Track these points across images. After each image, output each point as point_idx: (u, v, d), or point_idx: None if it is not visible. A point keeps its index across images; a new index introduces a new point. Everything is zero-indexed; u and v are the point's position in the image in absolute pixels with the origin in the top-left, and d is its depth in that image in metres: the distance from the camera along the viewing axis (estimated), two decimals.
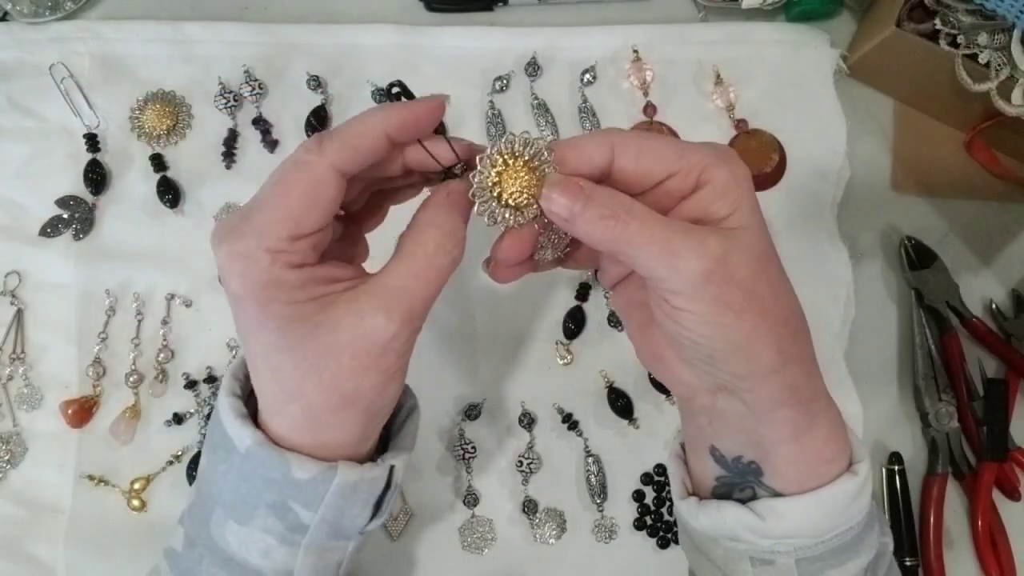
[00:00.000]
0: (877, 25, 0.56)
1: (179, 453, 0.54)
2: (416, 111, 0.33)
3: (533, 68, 0.59)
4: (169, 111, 0.58)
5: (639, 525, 0.54)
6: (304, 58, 0.59)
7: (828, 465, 0.35)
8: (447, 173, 0.35)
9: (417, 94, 0.36)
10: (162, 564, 0.38)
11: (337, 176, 0.32)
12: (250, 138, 0.58)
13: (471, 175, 0.33)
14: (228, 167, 0.58)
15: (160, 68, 0.59)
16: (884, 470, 0.56)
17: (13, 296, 0.56)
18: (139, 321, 0.56)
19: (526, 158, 0.33)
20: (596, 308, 0.57)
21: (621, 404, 0.55)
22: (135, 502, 0.54)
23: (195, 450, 0.54)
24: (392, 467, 0.37)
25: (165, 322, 0.56)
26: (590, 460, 0.55)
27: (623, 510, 0.55)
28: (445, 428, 0.55)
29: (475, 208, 0.33)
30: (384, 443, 0.39)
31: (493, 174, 0.33)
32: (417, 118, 0.33)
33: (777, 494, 0.35)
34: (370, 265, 0.37)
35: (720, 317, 0.31)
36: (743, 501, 0.36)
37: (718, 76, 0.59)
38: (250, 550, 0.35)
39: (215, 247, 0.32)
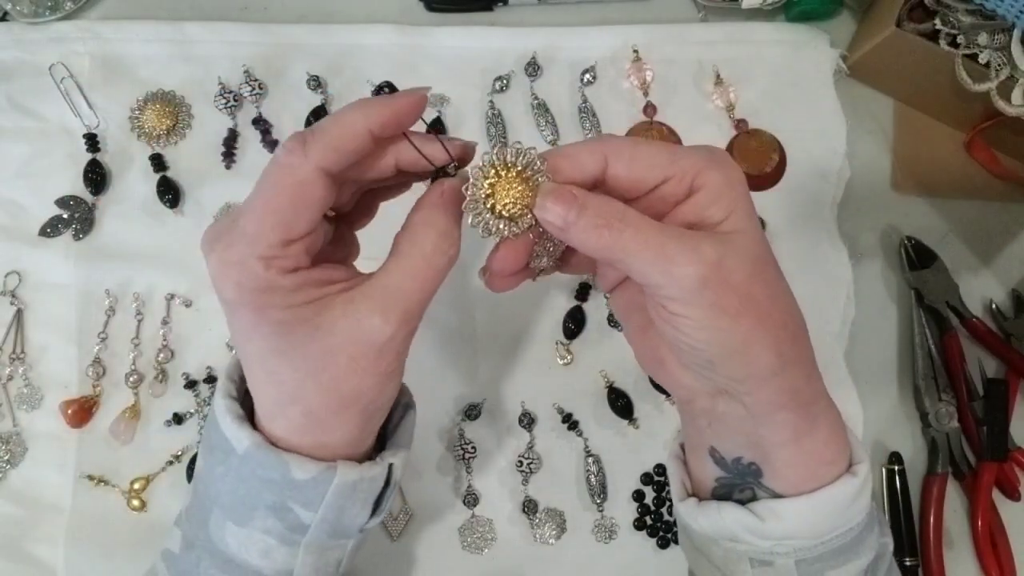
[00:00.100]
0: (877, 25, 0.56)
1: (179, 453, 0.54)
2: (397, 106, 0.33)
3: (533, 68, 0.59)
4: (169, 111, 0.58)
5: (639, 525, 0.54)
6: (304, 58, 0.59)
7: (828, 467, 0.35)
8: (439, 172, 0.35)
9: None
10: (159, 566, 0.38)
11: (323, 177, 0.32)
12: (250, 138, 0.58)
13: (464, 188, 0.33)
14: (228, 167, 0.58)
15: (160, 68, 0.59)
16: (884, 470, 0.56)
17: (13, 296, 0.56)
18: (139, 321, 0.56)
19: (519, 168, 0.32)
20: (596, 308, 0.57)
21: (621, 404, 0.55)
22: (135, 502, 0.54)
23: (195, 450, 0.54)
24: (391, 465, 0.37)
25: (165, 322, 0.56)
26: (590, 460, 0.55)
27: (623, 510, 0.55)
28: (445, 428, 0.55)
29: (468, 220, 0.33)
30: (381, 441, 0.39)
31: (486, 186, 0.33)
32: (398, 113, 0.33)
33: (777, 495, 0.35)
34: (363, 266, 0.37)
35: (717, 322, 0.31)
36: (743, 502, 0.36)
37: (718, 76, 0.59)
38: (250, 551, 0.35)
39: (206, 255, 0.32)
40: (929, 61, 0.53)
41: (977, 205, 0.59)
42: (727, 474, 0.36)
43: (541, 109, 0.59)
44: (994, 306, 0.58)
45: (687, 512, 0.38)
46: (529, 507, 0.54)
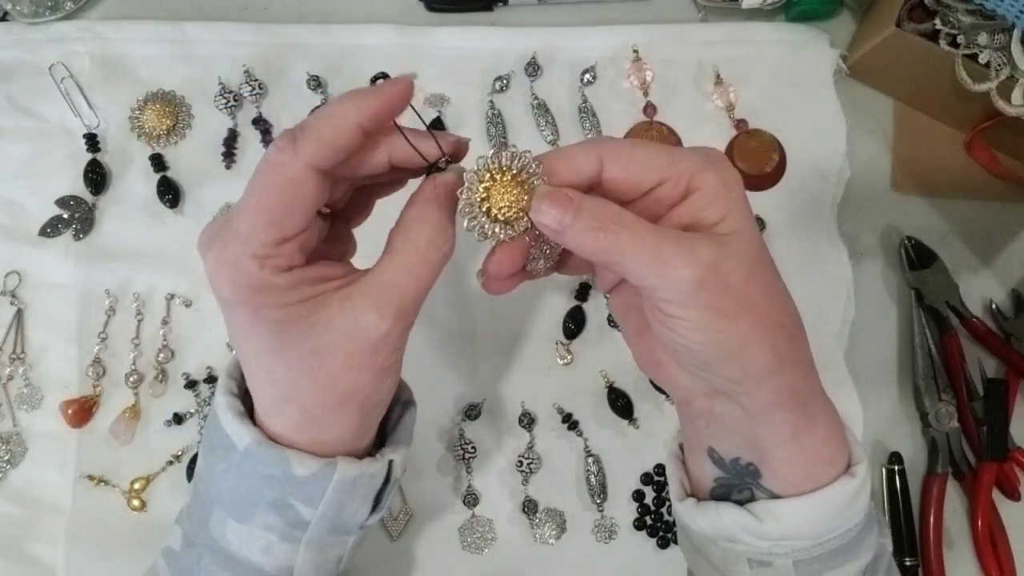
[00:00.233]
0: (877, 25, 0.56)
1: (179, 453, 0.54)
2: (386, 96, 0.33)
3: (533, 68, 0.59)
4: (169, 111, 0.58)
5: (639, 525, 0.54)
6: (304, 58, 0.59)
7: (826, 467, 0.35)
8: (432, 168, 0.35)
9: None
10: (160, 564, 0.38)
11: (314, 174, 0.32)
12: (250, 138, 0.58)
13: (459, 191, 0.33)
14: (228, 167, 0.58)
15: (160, 68, 0.59)
16: (884, 470, 0.56)
17: (13, 296, 0.56)
18: (139, 321, 0.56)
19: (514, 172, 0.32)
20: (596, 308, 0.57)
21: (621, 404, 0.55)
22: (135, 502, 0.54)
23: (195, 450, 0.54)
24: (391, 461, 0.37)
25: (165, 322, 0.56)
26: (590, 460, 0.55)
27: (623, 510, 0.55)
28: (445, 428, 0.55)
29: (464, 224, 0.33)
30: (381, 438, 0.39)
31: (481, 189, 0.33)
32: (387, 104, 0.33)
33: (775, 496, 0.35)
34: (360, 265, 0.37)
35: (714, 323, 0.31)
36: (741, 503, 0.36)
37: (718, 76, 0.59)
38: (251, 548, 0.35)
39: (202, 255, 0.32)
40: (929, 61, 0.53)
41: (977, 205, 0.59)
42: (725, 474, 0.36)
43: (541, 109, 0.59)
44: (994, 306, 0.58)
45: (686, 512, 0.38)
46: (529, 507, 0.54)
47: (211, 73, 0.58)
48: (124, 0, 0.60)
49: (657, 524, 0.54)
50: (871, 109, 0.60)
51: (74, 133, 0.58)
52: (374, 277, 0.33)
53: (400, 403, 0.40)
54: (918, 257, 0.57)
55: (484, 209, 0.33)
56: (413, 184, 0.36)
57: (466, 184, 0.33)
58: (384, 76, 0.58)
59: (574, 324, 0.56)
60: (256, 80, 0.58)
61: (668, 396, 0.55)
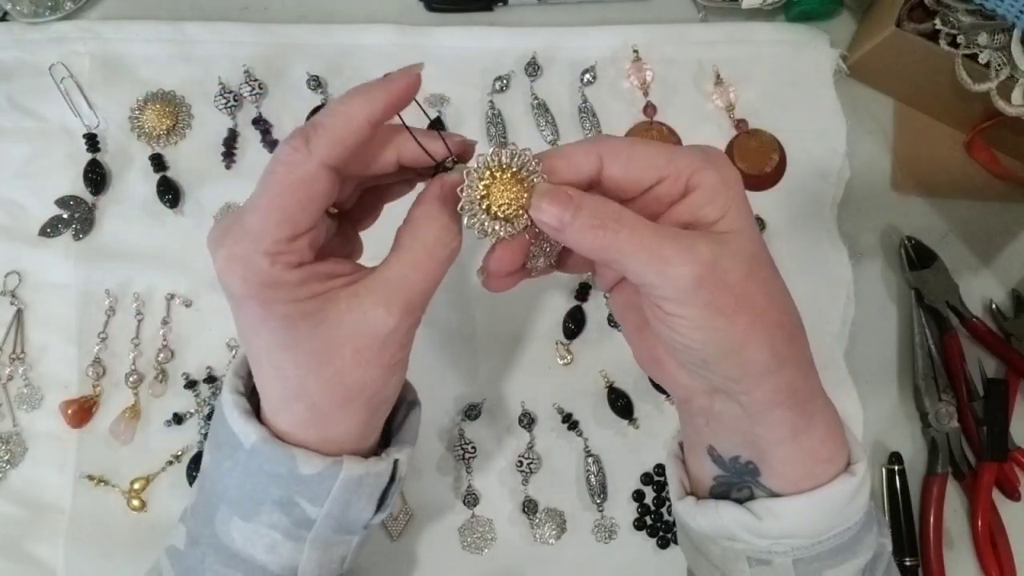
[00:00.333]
0: (877, 25, 0.56)
1: (179, 453, 0.54)
2: (394, 90, 0.33)
3: (533, 68, 0.59)
4: (169, 111, 0.58)
5: (639, 525, 0.54)
6: (304, 58, 0.59)
7: (825, 465, 0.35)
8: (439, 168, 0.35)
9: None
10: (163, 562, 0.38)
11: (327, 172, 0.32)
12: (250, 138, 0.58)
13: (459, 189, 0.33)
14: (228, 167, 0.58)
15: (160, 68, 0.59)
16: (884, 470, 0.56)
17: (13, 296, 0.56)
18: (139, 321, 0.56)
19: (514, 169, 0.33)
20: (596, 308, 0.57)
21: (621, 404, 0.55)
22: (135, 502, 0.54)
23: (195, 450, 0.54)
24: (396, 461, 0.37)
25: (165, 322, 0.56)
26: (590, 460, 0.55)
27: (623, 510, 0.55)
28: (445, 428, 0.55)
29: (464, 222, 0.33)
30: (386, 438, 0.40)
31: (481, 187, 0.33)
32: (396, 98, 0.33)
33: (774, 494, 0.35)
34: (365, 265, 0.37)
35: (712, 321, 0.31)
36: (741, 501, 0.36)
37: (718, 76, 0.59)
38: (255, 546, 0.35)
39: (213, 252, 0.33)
40: (929, 61, 0.53)
41: (977, 205, 0.59)
42: (725, 473, 0.36)
43: (541, 109, 0.59)
44: (994, 306, 0.58)
45: (685, 511, 0.38)
46: (529, 507, 0.54)
47: (211, 73, 0.58)
48: (124, 0, 0.60)
49: (657, 524, 0.54)
50: (871, 109, 0.60)
51: (74, 133, 0.58)
52: (382, 274, 0.34)
53: (406, 403, 0.40)
54: (918, 257, 0.57)
55: (484, 207, 0.33)
56: (420, 188, 0.37)
57: (466, 181, 0.33)
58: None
59: (574, 324, 0.56)
60: (256, 80, 0.58)
61: (668, 396, 0.55)
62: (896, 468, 0.55)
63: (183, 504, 0.39)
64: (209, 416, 0.55)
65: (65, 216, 0.56)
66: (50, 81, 0.58)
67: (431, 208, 0.34)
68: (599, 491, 0.54)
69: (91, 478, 0.54)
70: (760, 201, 0.58)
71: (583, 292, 0.57)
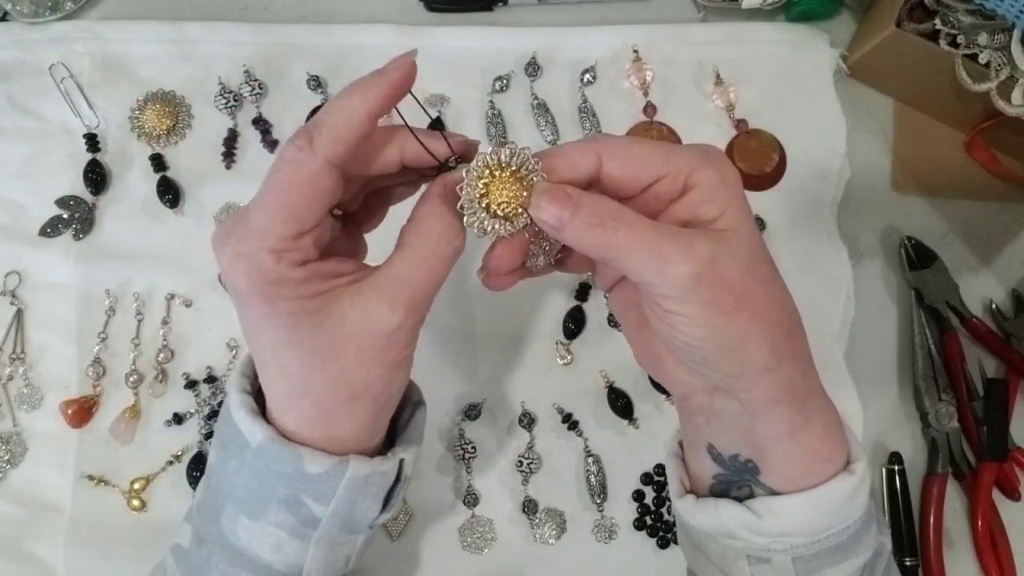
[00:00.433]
0: (877, 25, 0.56)
1: (179, 453, 0.54)
2: (391, 82, 0.33)
3: (533, 68, 0.59)
4: (169, 111, 0.58)
5: (639, 525, 0.54)
6: (304, 58, 0.59)
7: (824, 464, 0.35)
8: (442, 167, 0.35)
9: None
10: (168, 561, 0.39)
11: (331, 170, 0.32)
12: (250, 138, 0.58)
13: (458, 188, 0.33)
14: (228, 167, 0.58)
15: (160, 68, 0.59)
16: (884, 470, 0.56)
17: (13, 296, 0.56)
18: (139, 321, 0.56)
19: (513, 168, 0.33)
20: (596, 308, 0.57)
21: (621, 404, 0.55)
22: (135, 502, 0.54)
23: (195, 450, 0.54)
24: (402, 460, 0.37)
25: (165, 322, 0.56)
26: (590, 460, 0.55)
27: (623, 510, 0.55)
28: (445, 428, 0.55)
29: (464, 220, 0.33)
30: (391, 438, 0.40)
31: (480, 185, 0.33)
32: (394, 89, 0.33)
33: (774, 492, 0.35)
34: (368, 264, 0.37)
35: (711, 319, 0.31)
36: (740, 499, 0.36)
37: (718, 76, 0.59)
38: (261, 544, 0.35)
39: (218, 250, 0.33)
40: (929, 61, 0.53)
41: (977, 205, 0.59)
42: (725, 471, 0.36)
43: (541, 109, 0.59)
44: (994, 306, 0.58)
45: (685, 509, 0.38)
46: (529, 507, 0.54)
47: (211, 73, 0.58)
48: (124, 0, 0.60)
49: (657, 524, 0.54)
50: (871, 109, 0.60)
51: (74, 133, 0.58)
52: (386, 271, 0.34)
53: (411, 403, 0.41)
54: (918, 257, 0.57)
55: (483, 205, 0.33)
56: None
57: (465, 180, 0.33)
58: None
59: (574, 324, 0.56)
60: (256, 80, 0.58)
61: (668, 396, 0.55)
62: (896, 468, 0.55)
63: (183, 504, 0.40)
64: (209, 416, 0.55)
65: (65, 216, 0.56)
66: (50, 81, 0.58)
67: (435, 206, 0.34)
68: (599, 491, 0.54)
69: (91, 478, 0.54)
70: (760, 201, 0.58)
71: (583, 292, 0.57)
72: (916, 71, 0.56)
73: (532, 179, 0.33)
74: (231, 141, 0.58)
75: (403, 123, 0.35)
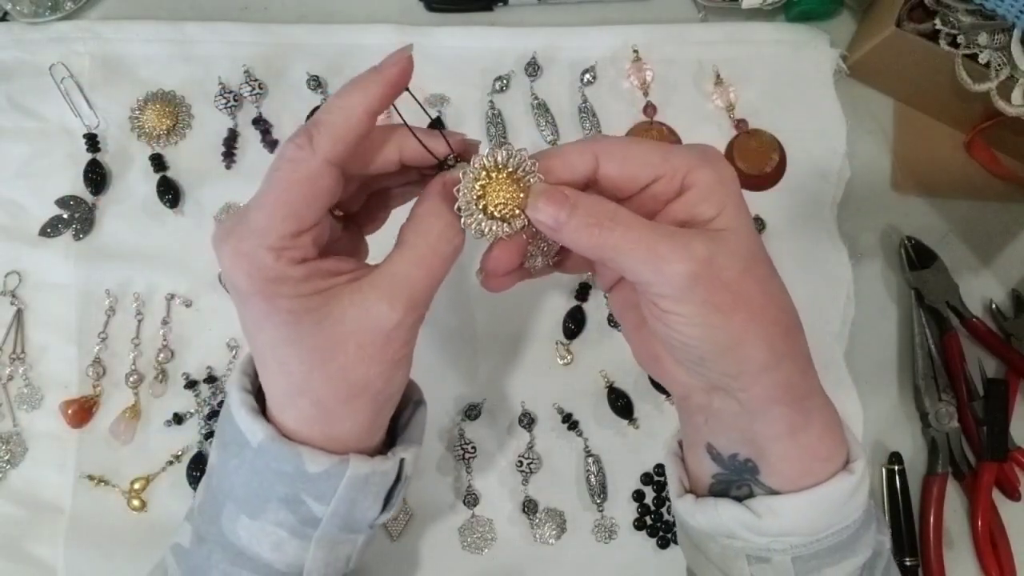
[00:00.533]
0: (877, 25, 0.56)
1: (179, 453, 0.54)
2: (387, 78, 0.33)
3: (533, 68, 0.59)
4: (169, 111, 0.58)
5: (639, 525, 0.54)
6: (304, 58, 0.59)
7: (824, 463, 0.35)
8: (442, 166, 0.35)
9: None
10: (168, 560, 0.39)
11: (331, 168, 0.32)
12: (250, 138, 0.58)
13: (455, 189, 0.33)
14: (228, 167, 0.58)
15: (160, 68, 0.59)
16: (884, 470, 0.56)
17: (13, 296, 0.56)
18: (139, 321, 0.56)
19: (510, 169, 0.33)
20: (596, 308, 0.57)
21: (621, 404, 0.55)
22: (135, 502, 0.54)
23: (195, 450, 0.54)
24: (402, 460, 0.37)
25: (165, 322, 0.56)
26: (590, 460, 0.55)
27: (623, 510, 0.55)
28: (445, 428, 0.55)
29: (461, 221, 0.33)
30: (392, 438, 0.40)
31: (477, 187, 0.33)
32: (391, 86, 0.33)
33: (773, 492, 0.35)
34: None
35: (709, 318, 0.31)
36: (740, 499, 0.36)
37: (718, 76, 0.59)
38: (262, 543, 0.35)
39: (218, 248, 0.33)
40: (929, 61, 0.53)
41: (977, 205, 0.59)
42: (724, 470, 0.36)
43: (541, 109, 0.59)
44: (994, 306, 0.58)
45: (685, 509, 0.38)
46: (529, 507, 0.54)
47: (211, 73, 0.58)
48: (124, 0, 0.60)
49: (657, 524, 0.54)
50: (871, 109, 0.60)
51: (74, 133, 0.58)
52: (386, 269, 0.34)
53: (412, 402, 0.41)
54: (918, 257, 0.57)
55: (480, 206, 0.33)
56: None
57: (462, 182, 0.33)
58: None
59: (574, 324, 0.56)
60: (256, 80, 0.58)
61: (668, 396, 0.55)
62: (896, 468, 0.55)
63: (183, 504, 0.40)
64: (209, 416, 0.55)
65: (65, 216, 0.56)
66: (50, 81, 0.58)
67: (434, 205, 0.34)
68: (599, 491, 0.54)
69: (91, 478, 0.54)
70: (760, 201, 0.58)
71: (583, 292, 0.57)
72: (916, 71, 0.56)
73: (529, 180, 0.33)
74: (231, 141, 0.58)
75: (402, 122, 0.35)
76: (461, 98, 0.59)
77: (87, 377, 0.55)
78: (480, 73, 0.59)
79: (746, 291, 0.32)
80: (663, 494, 0.55)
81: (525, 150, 0.33)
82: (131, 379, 0.55)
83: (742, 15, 0.60)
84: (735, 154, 0.58)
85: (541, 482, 0.55)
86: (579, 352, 0.56)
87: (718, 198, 0.33)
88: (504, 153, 0.33)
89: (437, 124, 0.58)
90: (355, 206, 0.39)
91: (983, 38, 0.50)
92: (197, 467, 0.54)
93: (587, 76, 0.59)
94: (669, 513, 0.55)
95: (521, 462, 0.54)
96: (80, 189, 0.57)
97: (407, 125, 0.35)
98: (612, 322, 0.57)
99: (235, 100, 0.58)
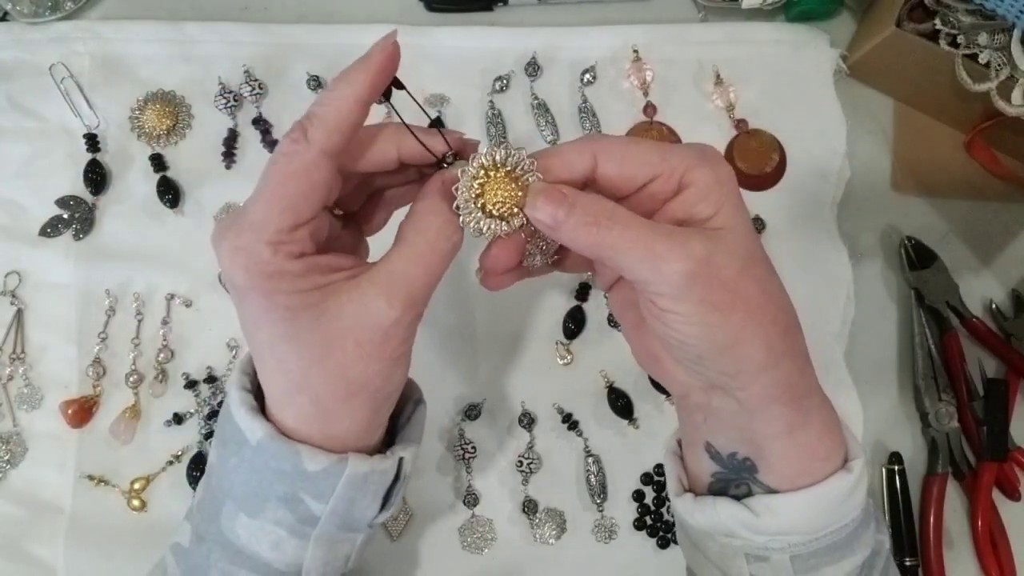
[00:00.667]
0: (877, 25, 0.56)
1: (179, 453, 0.54)
2: (374, 64, 0.33)
3: (533, 68, 0.59)
4: (169, 111, 0.58)
5: (639, 525, 0.54)
6: (304, 58, 0.59)
7: (822, 462, 0.35)
8: (441, 164, 0.35)
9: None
10: (168, 559, 0.39)
11: (327, 160, 0.32)
12: (250, 138, 0.58)
13: (454, 188, 0.33)
14: (228, 167, 0.58)
15: (160, 68, 0.59)
16: (884, 470, 0.56)
17: (13, 296, 0.56)
18: (139, 321, 0.56)
19: (508, 168, 0.33)
20: (596, 308, 0.57)
21: (621, 404, 0.55)
22: (135, 502, 0.54)
23: (195, 450, 0.55)
24: (401, 459, 0.37)
25: (165, 322, 0.56)
26: (590, 460, 0.55)
27: (623, 510, 0.55)
28: (445, 428, 0.55)
29: (459, 220, 0.34)
30: (391, 437, 0.40)
31: (475, 186, 0.33)
32: (379, 73, 0.33)
33: (772, 491, 0.35)
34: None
35: (706, 317, 0.31)
36: (738, 498, 0.36)
37: (718, 76, 0.59)
38: (260, 542, 0.35)
39: (216, 244, 0.33)
40: (929, 61, 0.53)
41: (977, 205, 0.59)
42: (723, 469, 0.36)
43: (541, 109, 0.59)
44: (994, 306, 0.58)
45: (683, 507, 0.38)
46: (529, 507, 0.54)
47: (211, 73, 0.58)
48: (124, 0, 0.60)
49: (657, 524, 0.54)
50: (871, 109, 0.60)
51: (74, 133, 0.58)
52: (384, 266, 0.34)
53: (411, 401, 0.41)
54: (918, 257, 0.57)
55: (479, 205, 0.33)
56: None
57: (461, 180, 0.33)
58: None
59: (574, 324, 0.56)
60: (256, 80, 0.58)
61: (668, 396, 0.55)
62: (896, 468, 0.55)
63: (183, 504, 0.40)
64: (209, 416, 0.55)
65: (65, 216, 0.56)
66: (50, 81, 0.58)
67: (432, 202, 0.34)
68: (599, 491, 0.54)
69: (91, 478, 0.54)
70: (760, 201, 0.58)
71: (583, 292, 0.57)
72: (916, 71, 0.56)
73: (528, 179, 0.33)
74: (231, 141, 0.58)
75: (400, 120, 0.35)
76: (461, 98, 0.59)
77: (87, 377, 0.55)
78: (480, 73, 0.59)
79: (744, 290, 0.32)
80: (663, 494, 0.55)
81: (523, 149, 0.33)
82: (131, 379, 0.55)
83: (742, 15, 0.60)
84: (735, 154, 0.58)
85: (541, 482, 0.55)
86: (579, 352, 0.56)
87: (716, 197, 0.33)
88: (503, 152, 0.33)
89: (437, 124, 0.58)
90: (354, 205, 0.39)
91: (983, 38, 0.50)
92: (197, 467, 0.54)
93: (587, 76, 0.59)
94: (669, 513, 0.55)
95: (521, 462, 0.54)
96: (80, 189, 0.57)
97: (404, 123, 0.35)
98: (612, 322, 0.57)
99: (235, 100, 0.58)
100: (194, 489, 0.52)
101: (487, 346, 0.56)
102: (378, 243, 0.39)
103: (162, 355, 0.55)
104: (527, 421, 0.55)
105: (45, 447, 0.55)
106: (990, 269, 0.59)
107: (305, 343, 0.33)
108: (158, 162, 0.57)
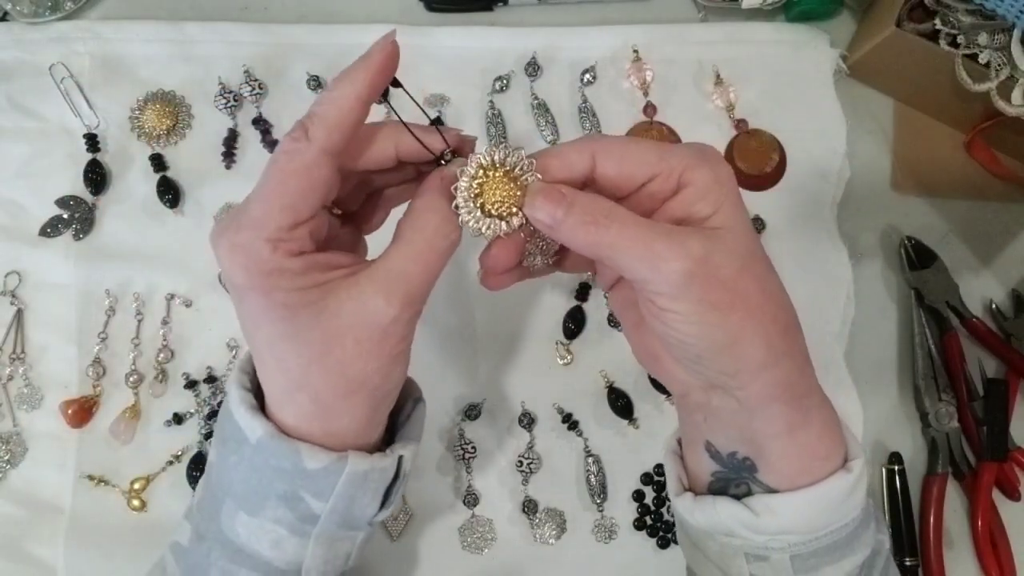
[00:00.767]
0: (877, 25, 0.56)
1: (179, 453, 0.54)
2: (374, 63, 0.33)
3: (533, 68, 0.59)
4: (169, 111, 0.58)
5: (639, 525, 0.54)
6: (304, 58, 0.59)
7: (822, 462, 0.35)
8: (439, 162, 0.35)
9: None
10: (168, 559, 0.39)
11: (327, 159, 0.33)
12: (250, 138, 0.58)
13: (453, 188, 0.33)
14: (228, 167, 0.58)
15: (160, 68, 0.59)
16: (884, 470, 0.56)
17: (13, 296, 0.56)
18: (139, 321, 0.56)
19: (507, 168, 0.33)
20: (596, 308, 0.57)
21: (621, 404, 0.55)
22: (135, 502, 0.54)
23: (195, 450, 0.55)
24: (401, 457, 0.37)
25: (165, 322, 0.56)
26: (590, 460, 0.55)
27: (623, 510, 0.55)
28: (445, 428, 0.55)
29: (459, 219, 0.34)
30: (391, 435, 0.40)
31: (474, 185, 0.33)
32: (379, 72, 0.33)
33: (772, 490, 0.35)
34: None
35: (705, 316, 0.31)
36: (738, 497, 0.36)
37: (718, 76, 0.59)
38: (261, 541, 0.35)
39: (215, 243, 0.33)
40: (929, 61, 0.53)
41: (977, 205, 0.59)
42: (722, 469, 0.36)
43: (541, 109, 0.59)
44: (994, 306, 0.58)
45: (683, 507, 0.38)
46: (529, 507, 0.54)
47: (211, 73, 0.58)
48: (124, 0, 0.60)
49: (657, 524, 0.54)
50: (871, 109, 0.60)
51: (74, 133, 0.58)
52: (383, 264, 0.34)
53: (411, 399, 0.41)
54: (918, 257, 0.57)
55: (478, 204, 0.33)
56: None
57: (460, 180, 0.33)
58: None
59: (574, 324, 0.56)
60: (256, 80, 0.58)
61: (668, 396, 0.55)
62: (896, 468, 0.55)
63: (183, 504, 0.40)
64: (209, 416, 0.55)
65: (65, 216, 0.56)
66: (50, 81, 0.58)
67: (430, 200, 0.34)
68: (599, 491, 0.54)
69: (91, 478, 0.54)
70: (760, 201, 0.58)
71: (583, 292, 0.57)
72: (916, 71, 0.56)
73: (527, 179, 0.33)
74: (231, 141, 0.58)
75: (397, 118, 0.35)
76: (461, 98, 0.59)
77: (87, 377, 0.55)
78: (480, 73, 0.59)
79: (743, 289, 0.32)
80: (663, 494, 0.55)
81: (522, 149, 0.33)
82: (131, 379, 0.55)
83: (742, 15, 0.60)
84: (735, 154, 0.58)
85: (541, 482, 0.55)
86: (579, 352, 0.56)
87: (715, 196, 0.33)
88: (502, 151, 0.33)
89: (437, 124, 0.58)
90: (353, 204, 0.39)
91: (983, 38, 0.50)
92: (197, 467, 0.54)
93: (587, 76, 0.59)
94: (669, 513, 0.55)
95: (521, 462, 0.54)
96: (80, 189, 0.57)
97: (401, 121, 0.35)
98: (612, 322, 0.57)
99: (235, 100, 0.58)
100: (194, 489, 0.52)
101: (487, 346, 0.56)
102: (377, 241, 0.39)
103: (162, 355, 0.55)
104: (527, 421, 0.55)
105: (45, 447, 0.55)
106: (990, 269, 0.59)
107: (304, 341, 0.33)
108: (158, 162, 0.57)
